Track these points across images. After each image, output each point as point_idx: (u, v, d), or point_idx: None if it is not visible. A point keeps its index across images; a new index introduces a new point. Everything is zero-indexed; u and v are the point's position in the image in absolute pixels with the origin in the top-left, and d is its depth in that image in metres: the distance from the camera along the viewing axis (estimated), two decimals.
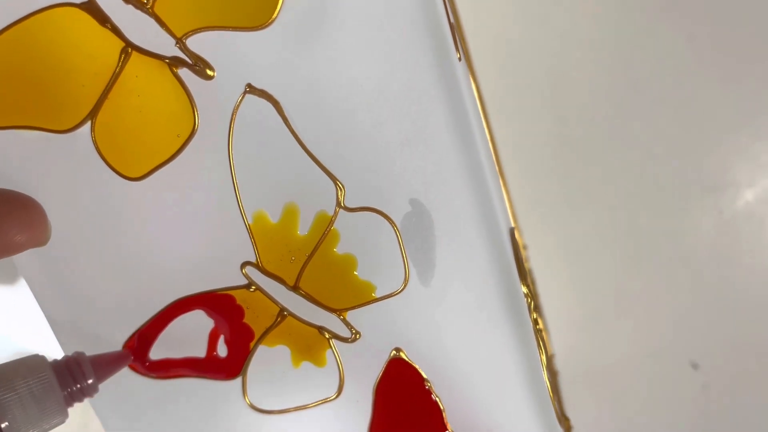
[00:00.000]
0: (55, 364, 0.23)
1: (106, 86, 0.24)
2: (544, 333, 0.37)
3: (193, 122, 0.24)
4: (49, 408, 0.21)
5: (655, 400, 0.49)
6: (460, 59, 0.25)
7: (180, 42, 0.23)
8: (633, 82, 0.42)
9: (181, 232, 0.26)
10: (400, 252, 0.26)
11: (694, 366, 0.47)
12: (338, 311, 0.27)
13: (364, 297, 0.26)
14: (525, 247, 0.40)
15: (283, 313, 0.27)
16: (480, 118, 0.29)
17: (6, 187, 0.25)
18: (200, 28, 0.23)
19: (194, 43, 0.24)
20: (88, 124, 0.25)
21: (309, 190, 0.25)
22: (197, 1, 0.23)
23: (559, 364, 0.46)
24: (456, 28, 0.26)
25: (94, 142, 0.25)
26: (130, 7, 0.23)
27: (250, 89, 0.24)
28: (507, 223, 0.29)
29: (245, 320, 0.27)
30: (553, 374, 0.43)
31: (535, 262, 0.43)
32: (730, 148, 0.43)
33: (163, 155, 0.25)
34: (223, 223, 0.26)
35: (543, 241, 0.44)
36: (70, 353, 0.24)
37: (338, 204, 0.25)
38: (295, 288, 0.26)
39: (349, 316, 0.27)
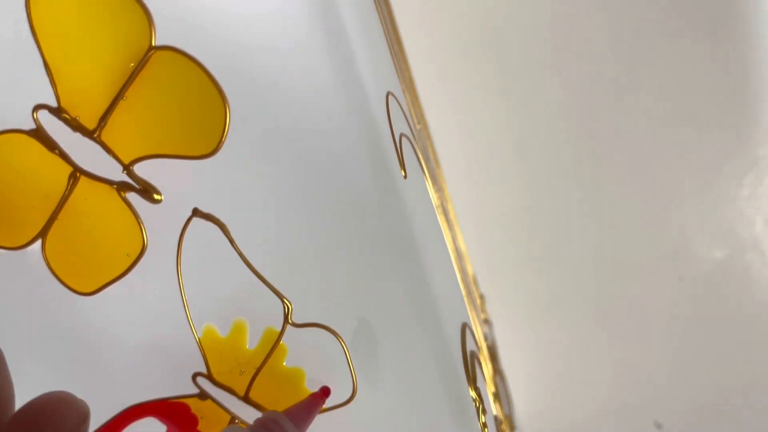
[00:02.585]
0: (254, 429, 0.22)
1: (56, 208, 0.25)
2: None
3: (142, 242, 0.25)
4: None
5: None
6: (405, 177, 0.26)
7: (127, 168, 0.24)
8: (596, 151, 0.43)
9: (133, 345, 0.26)
10: (347, 364, 0.26)
11: (658, 426, 0.48)
12: None
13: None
14: (482, 297, 0.41)
15: (234, 421, 0.27)
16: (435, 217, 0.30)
17: None
18: (146, 156, 0.24)
19: (142, 167, 0.24)
20: (39, 242, 0.25)
21: (256, 306, 0.25)
22: (143, 130, 0.24)
23: (524, 424, 0.46)
24: (400, 147, 0.26)
25: (45, 259, 0.25)
26: (78, 134, 0.24)
27: (197, 213, 0.25)
28: (460, 318, 0.30)
29: (199, 428, 0.27)
30: None
31: (498, 325, 0.44)
32: (690, 215, 0.44)
33: (114, 272, 0.25)
34: (174, 335, 0.26)
35: (506, 303, 0.44)
36: None
37: (286, 320, 0.26)
38: (245, 398, 0.27)
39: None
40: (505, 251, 0.42)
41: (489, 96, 0.39)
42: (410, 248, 0.25)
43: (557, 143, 0.40)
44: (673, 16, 0.38)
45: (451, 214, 0.37)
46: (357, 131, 0.24)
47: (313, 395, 0.25)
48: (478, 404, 0.28)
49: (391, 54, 0.32)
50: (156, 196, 0.24)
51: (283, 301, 0.25)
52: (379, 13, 0.30)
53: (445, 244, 0.32)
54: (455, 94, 0.40)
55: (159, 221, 0.25)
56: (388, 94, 0.27)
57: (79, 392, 0.27)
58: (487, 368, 0.35)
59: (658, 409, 0.47)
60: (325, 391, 0.25)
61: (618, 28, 0.39)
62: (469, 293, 0.37)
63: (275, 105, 0.24)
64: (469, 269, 0.39)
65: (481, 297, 0.41)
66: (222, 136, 0.23)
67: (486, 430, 0.28)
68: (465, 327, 0.30)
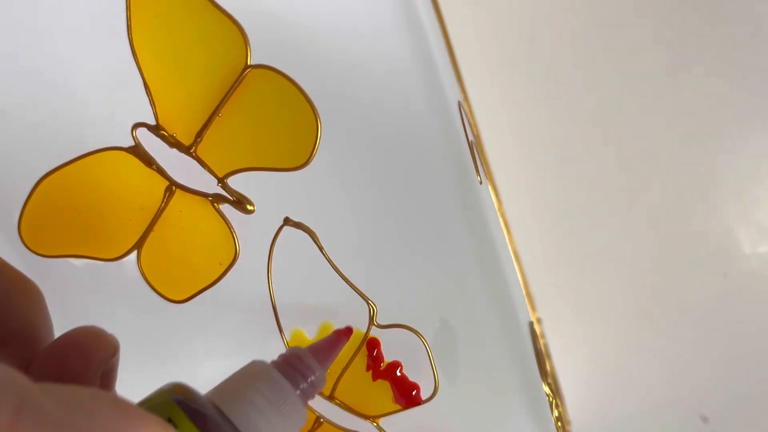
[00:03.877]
0: (278, 364, 0.21)
1: (152, 220, 0.26)
2: (566, 427, 0.38)
3: (235, 251, 0.26)
4: (288, 411, 0.20)
5: None
6: (481, 182, 0.27)
7: (222, 181, 0.25)
8: (640, 152, 0.44)
9: (223, 351, 0.28)
10: (429, 363, 0.27)
11: (704, 420, 0.48)
12: (372, 418, 0.28)
13: (395, 405, 0.28)
14: (539, 321, 0.42)
15: (319, 420, 0.28)
16: (498, 218, 0.31)
17: (59, 311, 0.27)
18: (240, 169, 0.25)
19: (235, 180, 0.25)
20: (135, 253, 0.26)
21: (342, 309, 0.27)
22: (237, 145, 0.25)
23: (574, 419, 0.47)
24: (477, 148, 0.27)
25: (140, 270, 0.27)
26: (174, 150, 0.25)
27: (288, 222, 0.26)
28: (526, 317, 0.31)
29: None
30: None
31: (547, 323, 0.45)
32: (735, 211, 0.45)
33: (206, 281, 0.27)
34: (263, 339, 0.27)
35: (555, 304, 0.45)
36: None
37: (371, 321, 0.27)
38: (330, 397, 0.28)
39: (383, 422, 0.28)
40: (552, 252, 0.43)
41: (533, 101, 0.41)
42: (489, 251, 0.26)
43: (602, 145, 0.41)
44: (713, 14, 0.39)
45: (505, 217, 0.38)
46: (440, 139, 0.25)
47: (337, 332, 0.25)
48: (551, 399, 0.29)
49: (452, 64, 0.33)
50: (249, 207, 0.25)
51: (368, 304, 0.26)
52: (440, 26, 0.32)
53: (507, 246, 0.33)
54: (501, 101, 0.41)
55: (250, 230, 0.26)
56: (459, 103, 0.28)
57: None
58: (549, 365, 0.36)
59: (704, 404, 0.48)
60: (348, 330, 0.25)
61: (658, 29, 0.40)
62: (527, 293, 0.38)
63: (361, 116, 0.25)
64: (520, 270, 0.40)
65: (530, 296, 0.42)
66: (313, 149, 0.25)
67: (559, 423, 0.29)
68: (532, 325, 0.31)
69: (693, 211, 0.44)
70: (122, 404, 0.14)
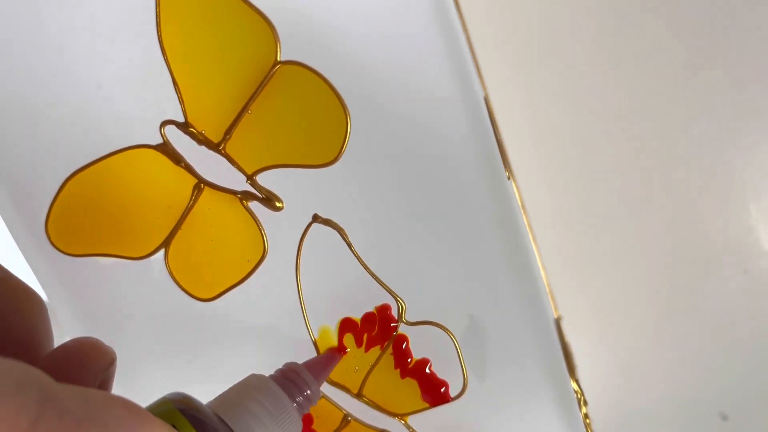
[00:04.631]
0: (276, 378, 0.23)
1: (180, 218, 0.26)
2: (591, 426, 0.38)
3: (263, 248, 0.26)
4: (285, 421, 0.21)
5: None
6: (509, 179, 0.27)
7: (250, 178, 0.25)
8: (658, 148, 0.44)
9: (250, 347, 0.27)
10: (458, 360, 0.27)
11: (723, 417, 0.48)
12: (400, 416, 0.28)
13: (424, 403, 0.28)
14: (560, 318, 0.42)
15: (347, 418, 0.28)
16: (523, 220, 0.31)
17: (86, 305, 0.27)
18: (270, 166, 0.25)
19: (264, 177, 0.25)
20: (162, 251, 0.26)
21: (371, 306, 0.27)
22: (267, 142, 0.25)
23: (593, 415, 0.47)
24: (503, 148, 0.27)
25: (168, 268, 0.27)
26: (203, 147, 0.25)
27: (317, 219, 0.26)
28: (552, 314, 0.31)
29: (313, 427, 0.28)
30: None
31: (568, 319, 0.45)
32: (755, 208, 0.44)
33: (234, 278, 0.26)
34: (290, 337, 0.27)
35: (572, 298, 0.45)
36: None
37: (399, 318, 0.27)
38: (358, 395, 0.28)
39: (411, 420, 0.28)
40: (570, 250, 0.42)
41: (555, 98, 0.40)
42: (519, 247, 0.26)
43: (619, 143, 0.41)
44: (734, 12, 0.39)
45: (527, 214, 0.38)
46: (470, 135, 0.25)
47: (330, 350, 0.26)
48: (579, 395, 0.28)
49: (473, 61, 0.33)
50: (278, 204, 0.25)
51: (397, 301, 0.26)
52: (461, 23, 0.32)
53: (531, 243, 0.33)
54: (520, 97, 0.41)
55: (279, 228, 0.26)
56: (485, 99, 0.28)
57: (199, 394, 0.28)
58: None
59: (723, 401, 0.48)
60: (342, 348, 0.26)
61: (679, 26, 0.39)
62: (550, 291, 0.38)
63: (390, 112, 0.25)
64: (542, 267, 0.40)
65: (552, 294, 0.42)
66: (343, 146, 0.24)
67: (588, 420, 0.29)
68: (558, 322, 0.31)
69: (712, 208, 0.44)
70: (135, 407, 0.15)
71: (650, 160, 0.41)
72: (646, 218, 0.43)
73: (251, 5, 0.23)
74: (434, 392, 0.27)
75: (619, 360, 0.47)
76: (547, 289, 0.35)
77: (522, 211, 0.32)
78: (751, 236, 0.44)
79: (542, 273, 0.34)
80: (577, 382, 0.29)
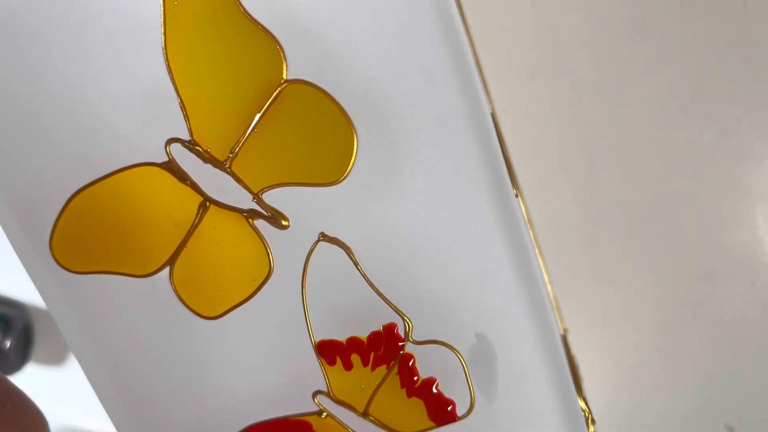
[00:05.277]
0: None
1: (185, 236, 0.26)
2: None
3: (269, 266, 0.26)
4: None
5: None
6: (517, 196, 0.27)
7: (257, 197, 0.25)
8: (665, 160, 0.43)
9: (255, 365, 0.27)
10: (465, 380, 0.27)
11: (730, 429, 0.48)
12: None
13: (430, 422, 0.27)
14: (566, 332, 0.41)
15: None
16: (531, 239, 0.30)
17: (89, 322, 0.26)
18: (276, 185, 0.25)
19: (270, 195, 0.25)
20: (167, 269, 0.26)
21: (378, 325, 0.26)
22: (273, 160, 0.25)
23: (599, 426, 0.47)
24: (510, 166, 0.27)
25: (173, 286, 0.26)
26: (209, 165, 0.25)
27: (324, 237, 0.26)
28: (558, 329, 0.30)
29: None
30: None
31: (573, 332, 0.45)
32: (763, 219, 0.44)
33: (240, 296, 0.26)
34: (296, 355, 0.27)
35: (580, 315, 0.45)
36: None
37: (406, 337, 0.26)
38: (365, 414, 0.28)
39: None
40: (576, 262, 0.42)
41: (558, 111, 0.40)
42: (526, 264, 0.26)
43: (626, 155, 0.40)
44: (741, 20, 0.38)
45: (533, 229, 0.38)
46: (478, 152, 0.24)
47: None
48: (587, 414, 0.28)
49: (480, 76, 0.33)
50: (284, 222, 0.25)
51: (404, 319, 0.26)
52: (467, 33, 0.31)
53: (538, 258, 0.33)
54: (525, 112, 0.41)
55: (285, 246, 0.26)
56: (492, 112, 0.28)
57: (202, 411, 0.28)
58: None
59: (730, 413, 0.47)
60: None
61: (685, 36, 0.39)
62: (556, 305, 0.38)
63: (398, 131, 0.25)
64: (548, 281, 0.40)
65: (558, 308, 0.42)
66: (350, 164, 0.24)
67: None
68: (564, 338, 0.31)
69: (720, 219, 0.43)
70: None
71: (656, 173, 0.41)
72: (653, 231, 0.43)
73: (257, 23, 0.23)
74: (441, 411, 0.27)
75: (624, 373, 0.47)
76: (554, 304, 0.35)
77: (529, 227, 0.32)
78: (758, 248, 0.43)
79: (549, 288, 0.34)
80: (584, 399, 0.29)
